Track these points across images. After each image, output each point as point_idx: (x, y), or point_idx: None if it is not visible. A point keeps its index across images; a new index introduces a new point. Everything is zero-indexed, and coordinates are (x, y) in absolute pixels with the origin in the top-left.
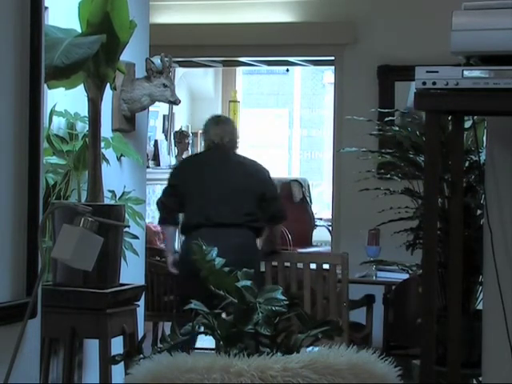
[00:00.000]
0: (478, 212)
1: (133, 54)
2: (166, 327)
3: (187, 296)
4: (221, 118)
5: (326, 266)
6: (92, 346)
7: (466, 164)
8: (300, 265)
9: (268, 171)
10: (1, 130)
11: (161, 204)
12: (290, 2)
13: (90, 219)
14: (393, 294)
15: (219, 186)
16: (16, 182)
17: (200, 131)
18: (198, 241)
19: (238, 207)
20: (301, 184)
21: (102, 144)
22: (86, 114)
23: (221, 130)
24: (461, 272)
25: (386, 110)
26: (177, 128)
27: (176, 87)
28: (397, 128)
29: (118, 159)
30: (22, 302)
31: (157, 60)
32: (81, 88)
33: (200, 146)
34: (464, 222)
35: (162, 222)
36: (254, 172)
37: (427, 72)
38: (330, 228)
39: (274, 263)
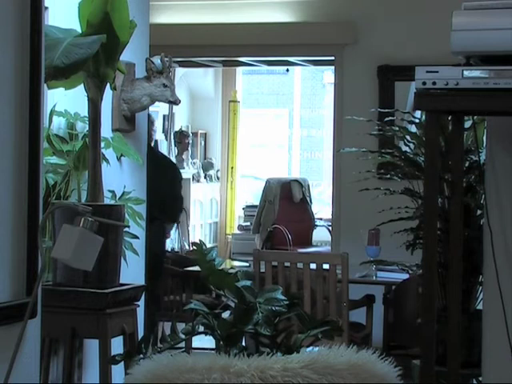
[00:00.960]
0: (478, 212)
1: (133, 53)
2: (166, 327)
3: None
4: None
5: (326, 266)
6: (92, 346)
7: (466, 164)
8: (300, 265)
9: (177, 169)
10: (1, 130)
11: None
12: (289, 2)
13: (89, 219)
14: (393, 294)
15: None
16: (16, 182)
17: (200, 131)
18: None
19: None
20: (301, 184)
21: (102, 144)
22: (86, 114)
23: None
24: (461, 272)
25: (386, 110)
26: (177, 128)
27: (176, 87)
28: (397, 128)
29: (118, 159)
30: (22, 302)
31: (157, 60)
32: (81, 88)
33: (200, 146)
34: (464, 222)
35: None
36: (166, 170)
37: (427, 72)
38: (330, 228)
39: (274, 263)
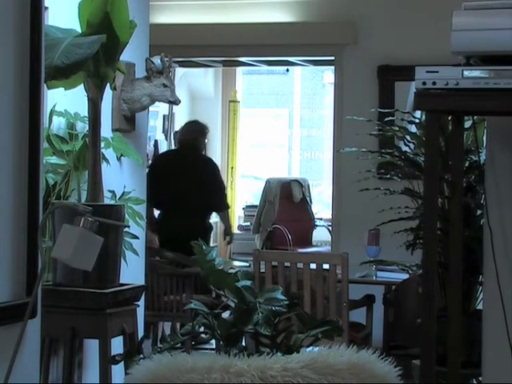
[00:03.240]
0: (478, 212)
1: (133, 53)
2: (166, 327)
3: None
4: (191, 123)
5: (326, 266)
6: (92, 346)
7: (466, 164)
8: (300, 265)
9: (217, 167)
10: (1, 129)
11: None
12: (289, 2)
13: (90, 219)
14: (393, 294)
15: (182, 178)
16: (16, 182)
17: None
18: (170, 218)
19: (195, 195)
20: (301, 184)
21: (102, 144)
22: (86, 114)
23: (187, 133)
24: (461, 272)
25: (386, 110)
26: (177, 128)
27: (176, 87)
28: (397, 128)
29: (118, 159)
30: (22, 302)
31: (157, 60)
32: (81, 88)
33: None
34: (464, 222)
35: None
36: (206, 168)
37: (427, 72)
38: (330, 228)
39: (274, 263)
